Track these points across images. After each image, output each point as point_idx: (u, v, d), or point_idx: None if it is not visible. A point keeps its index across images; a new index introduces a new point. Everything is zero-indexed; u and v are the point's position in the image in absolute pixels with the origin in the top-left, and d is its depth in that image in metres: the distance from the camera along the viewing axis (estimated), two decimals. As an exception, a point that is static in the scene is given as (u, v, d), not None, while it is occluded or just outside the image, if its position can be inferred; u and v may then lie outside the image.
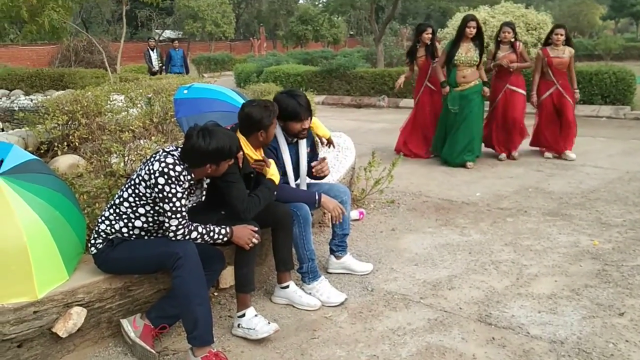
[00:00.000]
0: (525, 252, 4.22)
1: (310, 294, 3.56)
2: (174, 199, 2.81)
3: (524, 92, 7.25)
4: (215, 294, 3.62)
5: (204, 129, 2.87)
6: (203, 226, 2.95)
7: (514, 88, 7.18)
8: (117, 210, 2.94)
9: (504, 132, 7.33)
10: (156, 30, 34.83)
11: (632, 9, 37.93)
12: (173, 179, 2.79)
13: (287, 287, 3.54)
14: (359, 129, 10.11)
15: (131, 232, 2.95)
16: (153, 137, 3.99)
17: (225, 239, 3.03)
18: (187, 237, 2.89)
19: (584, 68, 10.97)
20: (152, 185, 2.81)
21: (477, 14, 12.87)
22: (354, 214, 4.89)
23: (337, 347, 3.04)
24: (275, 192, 3.37)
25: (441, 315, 3.33)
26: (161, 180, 2.78)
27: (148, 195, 2.86)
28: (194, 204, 3.10)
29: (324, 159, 3.84)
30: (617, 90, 10.61)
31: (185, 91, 4.17)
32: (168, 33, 34.67)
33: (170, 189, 2.79)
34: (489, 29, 13.74)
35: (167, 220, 2.84)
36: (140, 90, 5.19)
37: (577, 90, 7.28)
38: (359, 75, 14.37)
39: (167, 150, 2.91)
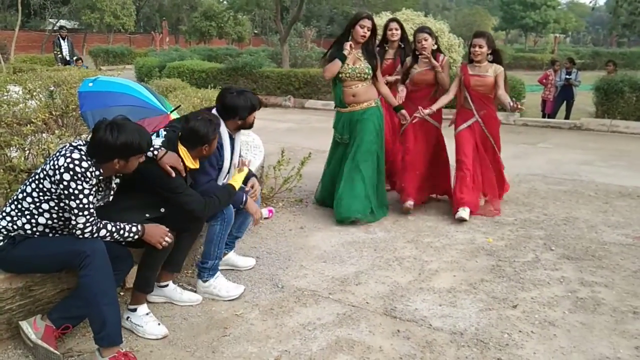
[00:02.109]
0: (426, 249, 4.43)
1: (207, 290, 3.60)
2: (81, 196, 2.71)
3: (438, 124, 5.49)
4: (122, 293, 3.52)
5: (113, 123, 2.78)
6: (113, 223, 2.87)
7: (426, 116, 5.30)
8: (20, 206, 2.80)
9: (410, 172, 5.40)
10: (50, 20, 33.00)
11: (522, 21, 40.56)
12: (79, 175, 2.69)
13: (166, 285, 3.53)
14: (265, 128, 10.11)
15: (34, 229, 2.82)
16: (57, 131, 3.81)
17: (137, 236, 2.96)
18: (96, 235, 2.80)
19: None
20: (57, 182, 2.69)
21: (378, 21, 12.08)
22: (264, 212, 4.93)
23: (249, 343, 3.07)
24: (232, 197, 3.45)
25: (349, 310, 3.44)
26: (66, 177, 2.67)
27: (53, 190, 2.74)
28: (102, 203, 3.00)
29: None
30: (508, 98, 11.29)
31: (91, 84, 4.01)
32: (63, 23, 32.96)
33: (77, 186, 2.69)
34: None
35: (74, 218, 2.74)
36: (40, 82, 4.94)
37: (517, 103, 5.11)
38: (265, 74, 14.40)
39: (74, 144, 2.80)
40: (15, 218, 2.79)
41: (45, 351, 2.80)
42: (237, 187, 3.50)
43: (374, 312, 3.42)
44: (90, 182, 2.73)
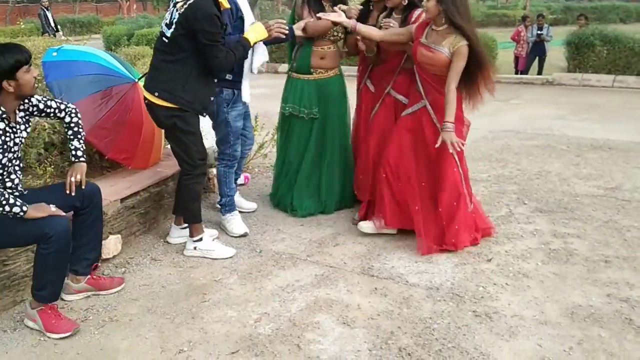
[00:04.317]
0: (403, 208, 4.46)
1: (222, 221, 4.09)
2: None
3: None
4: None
5: None
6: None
7: (398, 95, 3.97)
8: None
9: (372, 172, 4.02)
10: (12, -11, 31.93)
11: (494, -23, 40.14)
12: None
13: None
14: (238, 94, 10.01)
15: None
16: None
17: (22, 213, 2.66)
18: None
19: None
20: None
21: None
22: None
23: (228, 308, 3.08)
24: (247, 51, 3.56)
25: (327, 271, 3.47)
26: None
27: None
28: (22, 140, 2.86)
29: None
30: (480, 55, 11.28)
31: (55, 53, 3.93)
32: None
33: None
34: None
35: None
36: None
37: (449, 124, 3.36)
38: (236, 39, 14.12)
39: None
40: None
41: None
42: (251, 42, 3.54)
43: (351, 272, 3.46)
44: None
